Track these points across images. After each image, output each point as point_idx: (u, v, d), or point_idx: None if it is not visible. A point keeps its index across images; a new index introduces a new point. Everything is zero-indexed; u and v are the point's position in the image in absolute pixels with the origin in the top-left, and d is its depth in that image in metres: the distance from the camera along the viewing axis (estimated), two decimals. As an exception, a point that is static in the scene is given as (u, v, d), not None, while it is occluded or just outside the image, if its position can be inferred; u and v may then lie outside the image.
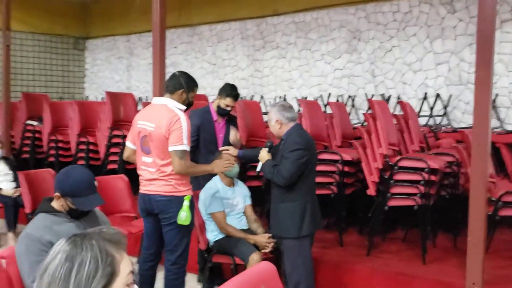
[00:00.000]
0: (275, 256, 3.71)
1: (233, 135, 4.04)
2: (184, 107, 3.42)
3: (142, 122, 3.44)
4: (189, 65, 8.81)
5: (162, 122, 3.29)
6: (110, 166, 6.07)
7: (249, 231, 3.98)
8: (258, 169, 3.58)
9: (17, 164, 7.11)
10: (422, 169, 3.86)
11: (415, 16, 6.32)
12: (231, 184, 4.04)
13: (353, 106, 6.70)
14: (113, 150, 6.12)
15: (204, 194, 3.95)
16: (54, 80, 10.42)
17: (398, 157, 3.96)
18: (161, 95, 5.33)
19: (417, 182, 3.86)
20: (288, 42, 7.54)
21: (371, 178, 4.08)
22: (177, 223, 3.30)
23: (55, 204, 2.48)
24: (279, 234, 3.56)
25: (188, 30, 8.85)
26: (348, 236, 4.63)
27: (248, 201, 4.13)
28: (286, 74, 7.56)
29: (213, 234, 3.95)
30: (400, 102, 4.83)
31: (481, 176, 3.23)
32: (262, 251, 3.78)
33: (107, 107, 6.21)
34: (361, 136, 4.17)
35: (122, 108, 6.48)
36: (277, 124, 3.47)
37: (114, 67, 10.31)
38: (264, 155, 3.54)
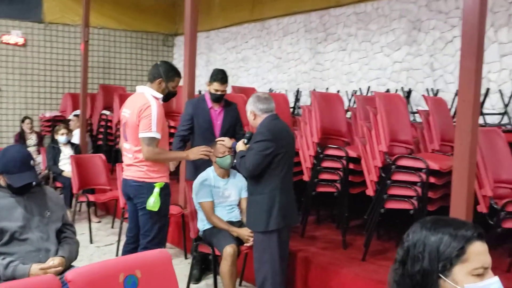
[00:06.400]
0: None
1: (227, 141, 3.92)
2: (160, 96, 3.47)
3: (124, 110, 3.56)
4: (257, 59, 8.85)
5: (135, 109, 3.37)
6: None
7: (238, 223, 3.93)
8: (235, 160, 3.51)
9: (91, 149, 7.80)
10: (420, 169, 3.47)
11: (478, 2, 5.63)
12: (226, 175, 4.01)
13: (408, 101, 6.18)
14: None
15: (195, 182, 3.98)
16: (144, 75, 11.15)
17: (397, 155, 3.61)
18: (190, 92, 5.51)
19: (415, 183, 3.49)
20: (349, 34, 7.20)
21: (370, 177, 3.77)
22: (146, 208, 3.38)
23: (1, 180, 2.70)
24: (249, 227, 3.48)
25: (258, 24, 8.88)
26: (362, 239, 4.32)
27: (244, 194, 4.05)
28: (346, 67, 7.24)
29: (202, 224, 3.96)
30: (424, 96, 4.37)
31: (463, 181, 2.82)
32: (245, 244, 3.71)
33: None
34: (363, 132, 3.87)
35: (174, 100, 6.74)
36: (251, 115, 3.38)
37: (196, 63, 10.68)
38: (239, 145, 3.47)
